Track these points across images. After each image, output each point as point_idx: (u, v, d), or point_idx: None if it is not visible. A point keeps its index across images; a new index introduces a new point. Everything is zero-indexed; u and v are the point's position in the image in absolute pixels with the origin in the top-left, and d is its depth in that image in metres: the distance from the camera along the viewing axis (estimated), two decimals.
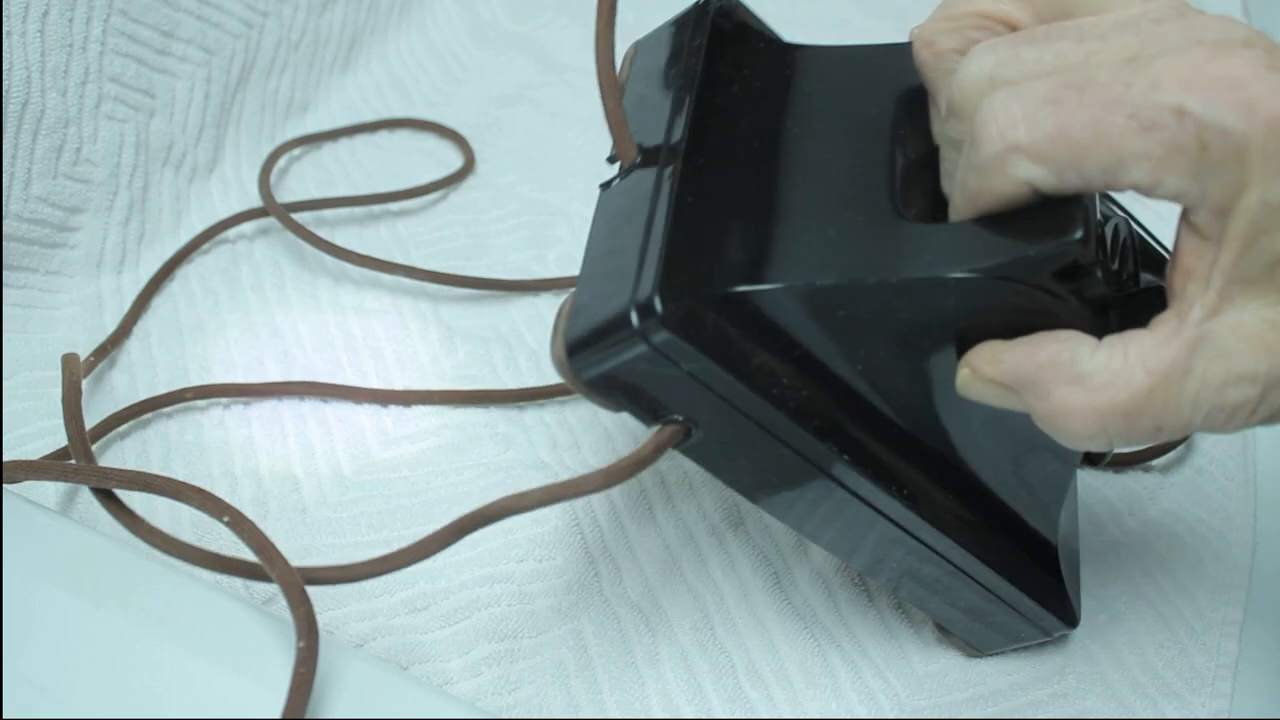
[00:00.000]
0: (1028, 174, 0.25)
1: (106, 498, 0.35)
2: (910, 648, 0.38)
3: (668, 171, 0.30)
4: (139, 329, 0.48)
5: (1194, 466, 0.43)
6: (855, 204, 0.29)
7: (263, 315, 0.49)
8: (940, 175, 0.30)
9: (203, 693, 0.30)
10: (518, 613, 0.38)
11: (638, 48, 0.36)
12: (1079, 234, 0.26)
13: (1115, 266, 0.28)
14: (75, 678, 0.30)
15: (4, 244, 0.46)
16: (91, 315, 0.49)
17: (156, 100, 0.52)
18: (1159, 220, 0.32)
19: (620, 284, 0.28)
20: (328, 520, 0.41)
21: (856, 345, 0.29)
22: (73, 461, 0.40)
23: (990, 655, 0.37)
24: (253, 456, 0.43)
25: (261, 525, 0.40)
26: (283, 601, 0.33)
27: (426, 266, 0.51)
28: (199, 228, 0.53)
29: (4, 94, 0.45)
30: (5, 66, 0.45)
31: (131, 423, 0.44)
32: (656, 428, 0.30)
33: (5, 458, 0.41)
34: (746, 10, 0.35)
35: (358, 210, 0.55)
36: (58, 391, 0.41)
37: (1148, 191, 0.25)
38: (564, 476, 0.38)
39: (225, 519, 0.33)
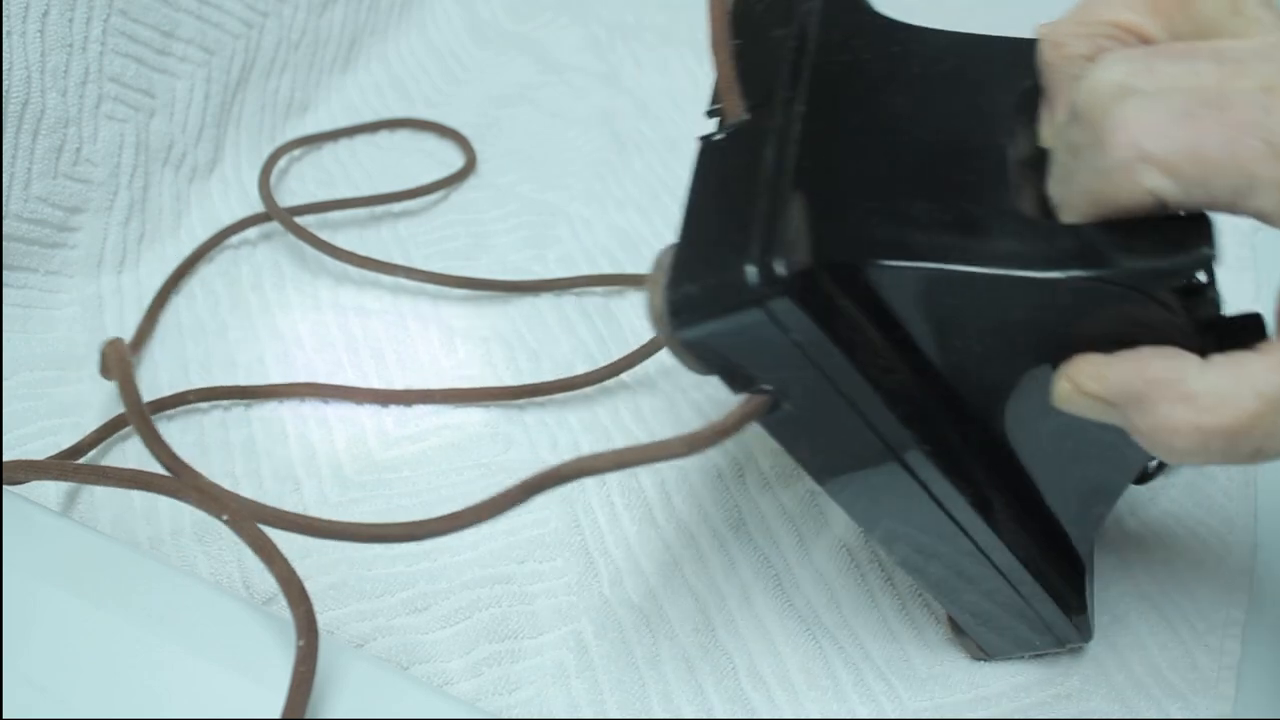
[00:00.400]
0: (1155, 184, 0.25)
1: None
2: (912, 649, 0.38)
3: (788, 133, 0.29)
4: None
5: (1195, 468, 0.43)
6: (973, 193, 0.28)
7: (263, 316, 0.49)
8: (1049, 179, 0.29)
9: (203, 692, 0.30)
10: (518, 613, 0.38)
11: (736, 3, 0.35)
12: (1210, 251, 0.25)
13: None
14: (75, 678, 0.30)
15: (4, 244, 0.46)
16: (91, 315, 0.49)
17: (156, 100, 0.52)
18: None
19: (735, 243, 0.26)
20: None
21: (955, 335, 0.28)
22: (73, 462, 0.40)
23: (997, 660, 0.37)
24: (254, 457, 0.43)
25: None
26: (283, 601, 0.33)
27: (427, 266, 0.51)
28: (199, 228, 0.53)
29: (4, 94, 0.45)
30: (5, 66, 0.45)
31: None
32: (744, 397, 0.28)
33: (5, 458, 0.41)
34: None
35: (358, 211, 0.55)
36: (58, 391, 0.41)
37: (1268, 218, 0.24)
38: None
39: (224, 517, 0.33)
